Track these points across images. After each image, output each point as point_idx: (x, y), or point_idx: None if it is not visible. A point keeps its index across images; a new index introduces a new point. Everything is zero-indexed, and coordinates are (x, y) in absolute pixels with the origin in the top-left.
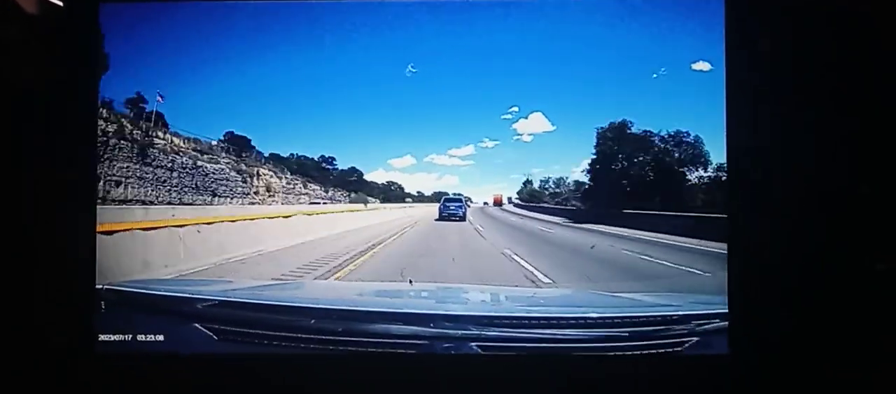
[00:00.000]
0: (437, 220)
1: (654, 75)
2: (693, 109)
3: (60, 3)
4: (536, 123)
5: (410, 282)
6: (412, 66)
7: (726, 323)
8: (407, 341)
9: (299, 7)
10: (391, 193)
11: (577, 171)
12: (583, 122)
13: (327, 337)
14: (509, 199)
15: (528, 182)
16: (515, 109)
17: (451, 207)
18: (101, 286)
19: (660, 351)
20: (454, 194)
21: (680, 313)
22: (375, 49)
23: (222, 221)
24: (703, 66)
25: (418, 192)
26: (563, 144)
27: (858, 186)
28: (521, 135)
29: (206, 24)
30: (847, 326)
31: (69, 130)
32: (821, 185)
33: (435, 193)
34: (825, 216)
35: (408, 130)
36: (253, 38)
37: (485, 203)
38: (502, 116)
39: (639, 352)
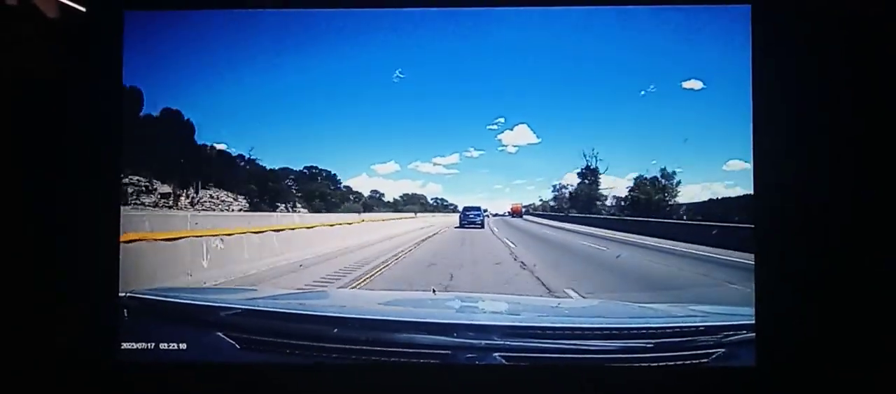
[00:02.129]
0: (457, 227)
1: (643, 93)
2: (682, 126)
3: (83, 9)
4: (522, 135)
5: (433, 291)
6: (400, 72)
7: (753, 335)
8: (430, 351)
9: (295, 14)
10: (311, 191)
11: (559, 183)
12: (568, 135)
13: (350, 347)
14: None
15: (561, 187)
16: (501, 119)
17: (470, 216)
18: (123, 294)
19: (685, 363)
20: (441, 200)
21: (706, 324)
22: (363, 56)
23: None
24: (693, 84)
25: (374, 192)
26: (548, 156)
27: (891, 195)
28: (506, 146)
29: (185, 33)
30: (880, 339)
31: (92, 136)
32: (851, 194)
33: (404, 194)
34: (856, 226)
35: (393, 136)
36: (244, 45)
37: (496, 214)
38: (488, 126)
39: (664, 363)
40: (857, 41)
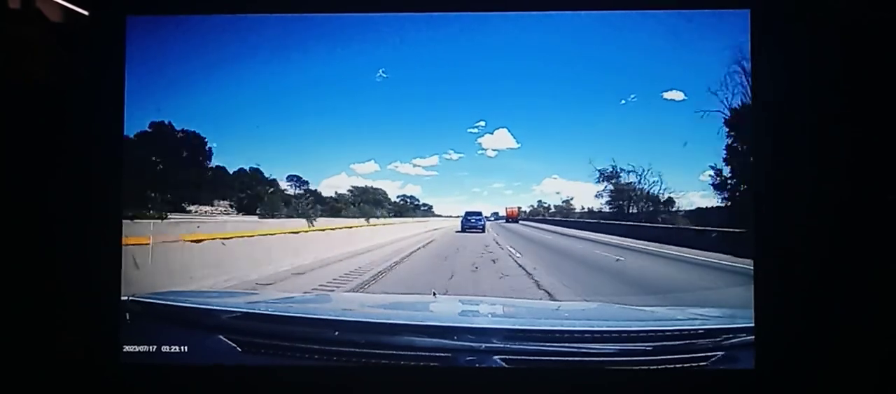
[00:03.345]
0: (458, 232)
1: (623, 102)
2: (661, 137)
3: (86, 13)
4: (502, 140)
5: (434, 294)
6: (383, 71)
7: (753, 337)
8: (430, 354)
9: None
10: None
11: (537, 189)
12: (548, 141)
13: (351, 349)
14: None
15: (609, 175)
16: (482, 123)
17: (471, 220)
18: (125, 297)
19: (684, 366)
20: (411, 198)
21: (705, 326)
22: (347, 56)
23: None
24: (675, 95)
25: (294, 178)
26: (527, 162)
27: (891, 198)
28: (485, 150)
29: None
30: (879, 342)
31: (95, 139)
32: (850, 197)
33: (354, 188)
34: (855, 229)
35: (373, 135)
36: (231, 48)
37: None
38: (469, 129)
39: (663, 366)
40: (856, 46)
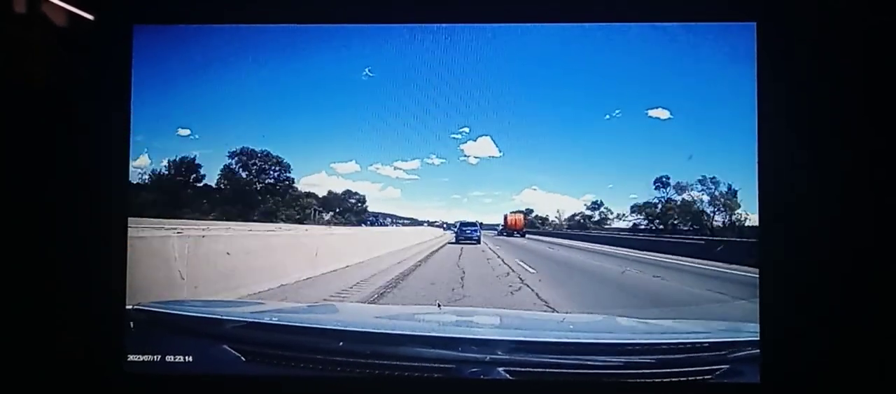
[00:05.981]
0: (452, 243)
1: (607, 117)
2: (646, 154)
3: (91, 17)
4: (484, 147)
5: (438, 305)
6: (369, 71)
7: (758, 351)
8: (434, 366)
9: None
10: None
11: (516, 199)
12: (528, 152)
13: (355, 360)
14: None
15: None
16: (466, 129)
17: (466, 231)
18: (130, 306)
19: (689, 379)
20: (432, 217)
21: (710, 340)
22: (338, 62)
23: None
24: (660, 113)
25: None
26: (508, 171)
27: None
28: (467, 156)
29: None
30: (887, 357)
31: (101, 150)
32: (857, 211)
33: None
34: (863, 243)
35: (356, 135)
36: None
37: (452, 225)
38: (452, 135)
39: (667, 379)
40: (866, 59)
